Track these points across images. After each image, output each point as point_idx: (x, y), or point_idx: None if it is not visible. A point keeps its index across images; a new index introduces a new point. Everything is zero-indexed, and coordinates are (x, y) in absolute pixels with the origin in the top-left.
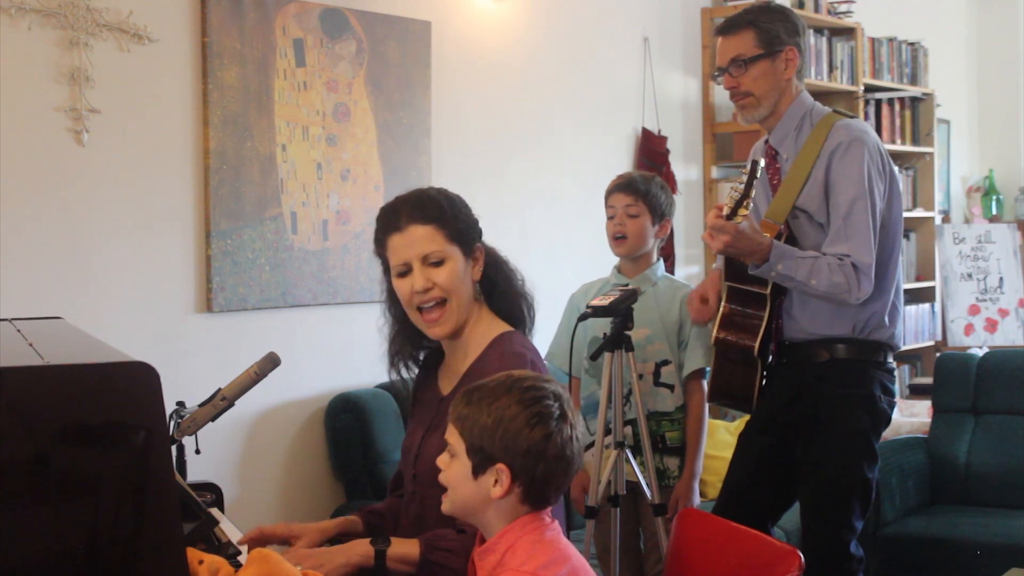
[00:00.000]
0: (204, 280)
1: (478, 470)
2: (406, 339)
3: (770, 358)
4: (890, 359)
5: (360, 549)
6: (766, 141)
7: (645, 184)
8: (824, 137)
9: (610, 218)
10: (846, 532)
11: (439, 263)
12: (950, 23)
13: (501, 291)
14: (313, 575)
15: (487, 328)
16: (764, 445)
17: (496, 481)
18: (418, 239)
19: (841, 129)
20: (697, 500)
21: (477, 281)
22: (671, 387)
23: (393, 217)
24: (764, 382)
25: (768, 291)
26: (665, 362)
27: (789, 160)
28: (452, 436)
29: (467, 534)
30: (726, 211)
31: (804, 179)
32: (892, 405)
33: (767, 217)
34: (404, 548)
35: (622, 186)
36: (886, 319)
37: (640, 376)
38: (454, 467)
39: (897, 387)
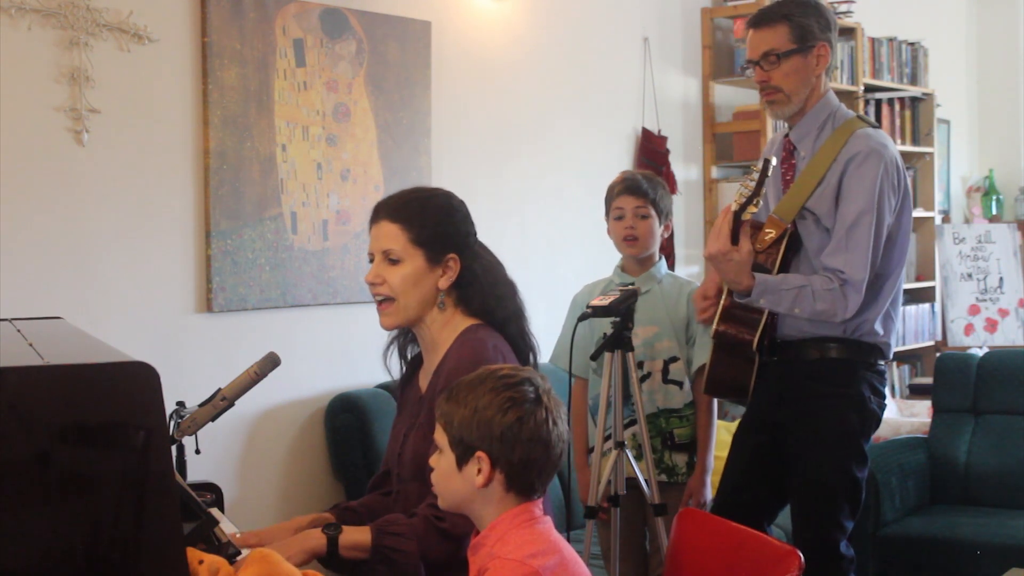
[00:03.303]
0: (204, 280)
1: (461, 461)
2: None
3: (763, 355)
4: (881, 361)
5: (313, 538)
6: (786, 135)
7: (652, 186)
8: (843, 143)
9: (617, 219)
10: (836, 531)
11: (396, 262)
12: (950, 23)
13: (476, 305)
14: (313, 575)
15: (457, 327)
16: (756, 444)
17: (479, 470)
18: (383, 235)
19: (861, 138)
20: (710, 495)
21: (443, 290)
22: (680, 384)
23: (376, 209)
24: (758, 378)
25: None
26: (673, 359)
27: (806, 159)
28: (438, 433)
29: (418, 517)
30: (735, 207)
31: (817, 181)
32: (882, 407)
33: (775, 214)
34: (356, 535)
35: (630, 188)
36: (878, 327)
37: (648, 374)
38: (441, 463)
39: (888, 388)
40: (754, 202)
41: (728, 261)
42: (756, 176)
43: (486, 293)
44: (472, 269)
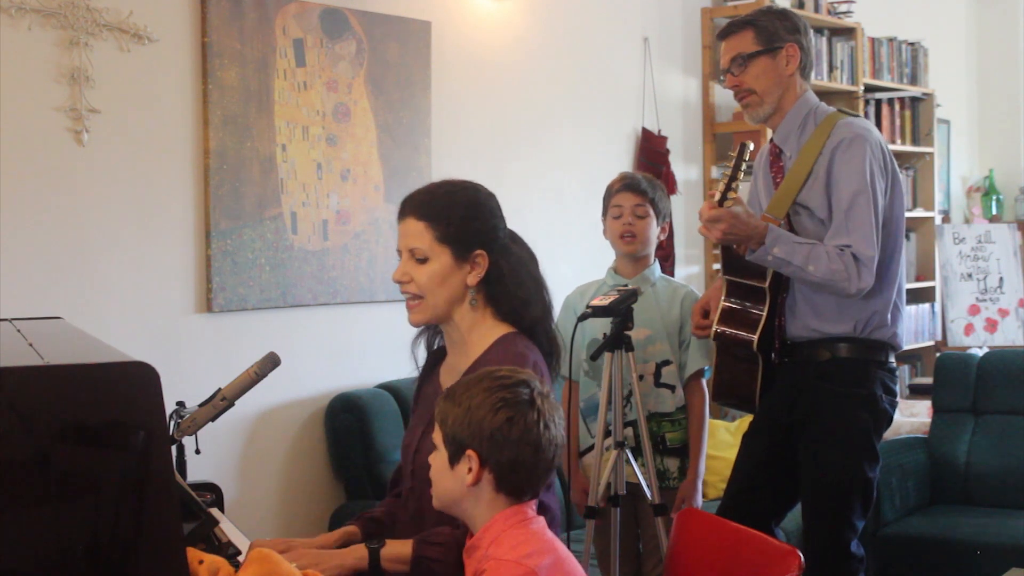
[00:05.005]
0: (204, 280)
1: (453, 459)
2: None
3: (772, 356)
4: (892, 359)
5: (356, 554)
6: (771, 140)
7: (651, 186)
8: (827, 134)
9: (615, 217)
10: (847, 531)
11: (423, 260)
12: (950, 23)
13: (505, 307)
14: (313, 574)
15: (489, 330)
16: (767, 445)
17: (469, 469)
18: (409, 232)
19: (844, 126)
20: (700, 501)
21: (472, 286)
22: (672, 388)
23: (403, 205)
24: (767, 382)
25: (767, 284)
26: (666, 362)
27: (792, 158)
28: (435, 431)
29: (461, 530)
30: (717, 196)
31: (806, 175)
32: (894, 405)
33: (767, 212)
34: (398, 548)
35: (630, 186)
36: (888, 317)
37: (641, 377)
38: (436, 460)
39: (898, 387)
40: (733, 187)
41: (729, 214)
42: (733, 161)
43: (511, 294)
44: (499, 266)
